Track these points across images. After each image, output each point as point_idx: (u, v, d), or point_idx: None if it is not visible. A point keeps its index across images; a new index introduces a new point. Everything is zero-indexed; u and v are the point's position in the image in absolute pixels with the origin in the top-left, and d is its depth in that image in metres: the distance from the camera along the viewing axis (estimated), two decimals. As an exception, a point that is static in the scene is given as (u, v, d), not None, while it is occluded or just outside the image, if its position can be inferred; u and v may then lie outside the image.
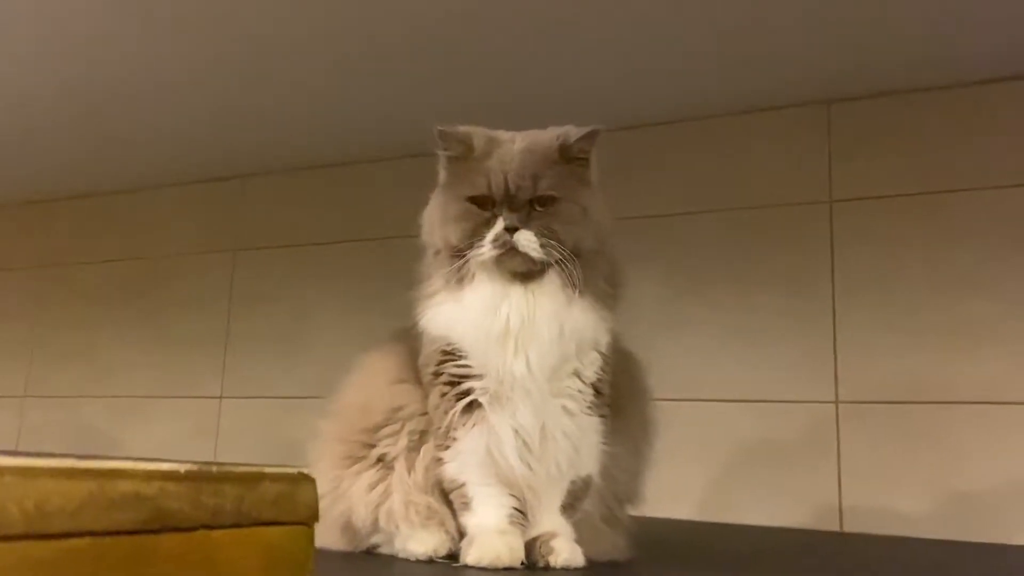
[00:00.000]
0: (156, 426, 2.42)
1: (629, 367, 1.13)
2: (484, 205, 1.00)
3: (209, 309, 2.44)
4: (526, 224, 0.98)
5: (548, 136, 1.04)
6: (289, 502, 0.43)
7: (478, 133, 1.04)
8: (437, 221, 1.04)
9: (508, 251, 0.97)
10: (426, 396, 1.04)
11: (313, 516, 0.45)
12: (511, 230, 0.97)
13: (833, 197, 1.80)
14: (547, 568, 0.97)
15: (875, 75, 1.74)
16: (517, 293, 0.99)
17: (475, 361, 1.00)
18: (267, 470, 0.43)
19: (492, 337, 0.98)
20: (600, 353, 1.03)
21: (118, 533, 0.34)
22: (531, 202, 0.99)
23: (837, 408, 1.71)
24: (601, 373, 1.03)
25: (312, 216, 2.37)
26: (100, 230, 2.67)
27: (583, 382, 1.02)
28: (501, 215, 0.99)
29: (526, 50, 1.70)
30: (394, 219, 2.17)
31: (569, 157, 1.02)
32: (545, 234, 0.98)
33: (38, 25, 1.67)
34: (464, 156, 1.03)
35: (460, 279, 1.01)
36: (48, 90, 1.98)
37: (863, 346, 1.72)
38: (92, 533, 0.33)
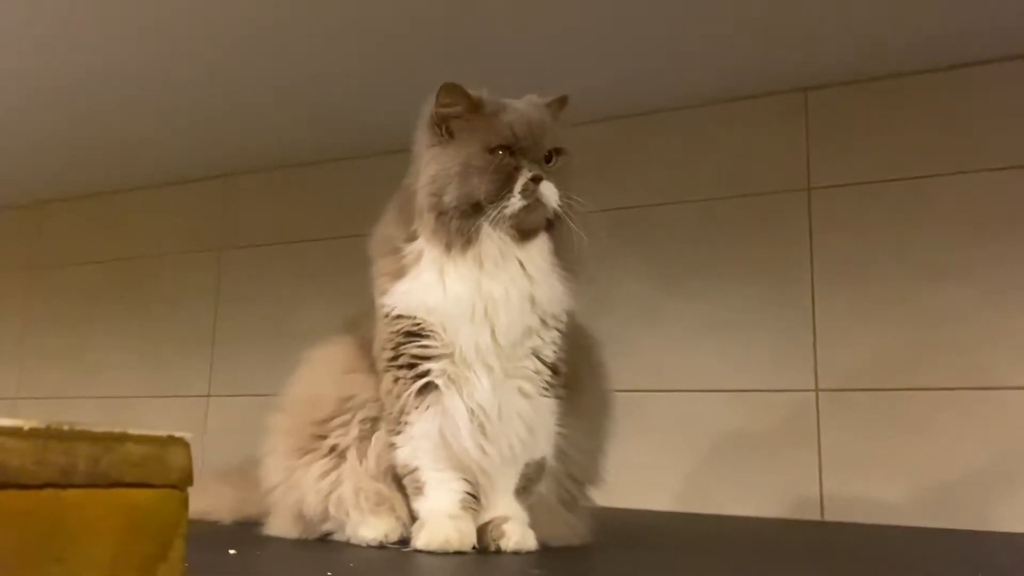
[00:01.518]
0: (145, 424, 2.41)
1: (584, 344, 1.11)
2: (505, 156, 0.98)
3: (196, 308, 2.44)
4: (544, 175, 0.97)
5: (541, 99, 1.04)
6: (157, 464, 0.43)
7: (491, 95, 1.03)
8: (455, 175, 0.97)
9: (533, 203, 0.96)
10: (379, 382, 1.04)
11: (186, 480, 0.44)
12: (536, 180, 0.96)
13: (811, 185, 1.79)
14: (498, 552, 0.96)
15: (852, 62, 1.73)
16: (511, 256, 0.98)
17: (443, 331, 0.98)
18: (131, 431, 0.42)
19: (471, 304, 0.96)
20: (559, 331, 1.02)
21: (-54, 486, 0.34)
22: (547, 155, 0.99)
23: (817, 396, 1.70)
24: (559, 352, 1.02)
25: (297, 214, 2.37)
26: (88, 232, 2.69)
27: (541, 362, 1.01)
28: (524, 166, 0.97)
29: (507, 47, 1.69)
30: (379, 216, 2.17)
31: (554, 119, 1.03)
32: (562, 187, 0.97)
33: (24, 33, 1.68)
34: (472, 111, 1.00)
35: (468, 240, 0.97)
36: (35, 96, 1.99)
37: (842, 334, 1.70)
38: (-84, 485, 0.33)
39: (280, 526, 1.07)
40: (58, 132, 2.23)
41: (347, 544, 1.01)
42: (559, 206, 0.97)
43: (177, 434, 0.44)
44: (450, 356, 0.98)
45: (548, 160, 0.99)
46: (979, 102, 1.68)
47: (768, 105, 1.85)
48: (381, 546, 0.99)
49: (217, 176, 2.49)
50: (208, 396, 2.38)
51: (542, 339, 1.00)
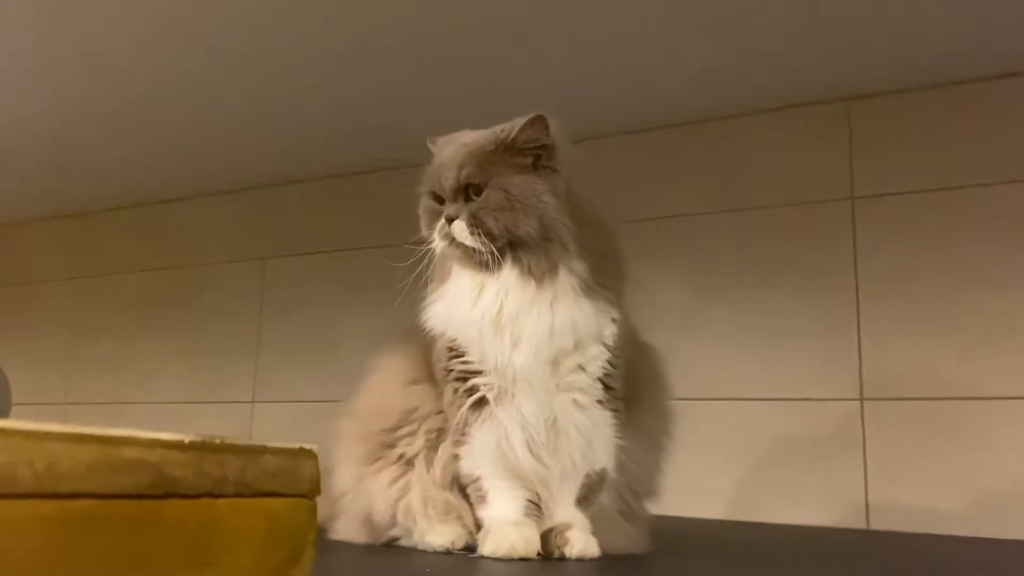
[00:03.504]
0: (191, 430, 2.47)
1: (647, 359, 1.13)
2: (439, 200, 1.03)
3: (241, 316, 2.49)
4: (459, 214, 1.00)
5: (495, 129, 1.04)
6: (290, 475, 0.45)
7: (448, 136, 1.08)
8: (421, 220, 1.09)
9: (451, 242, 1.00)
10: (441, 394, 1.06)
11: (314, 489, 0.47)
12: (450, 220, 1.00)
13: (855, 194, 1.79)
14: (562, 559, 0.98)
15: (895, 71, 1.74)
16: (490, 285, 1.01)
17: (475, 356, 1.02)
18: (269, 444, 0.45)
19: (482, 330, 1.00)
20: (606, 346, 1.03)
21: (123, 496, 0.37)
22: (466, 192, 1.00)
23: (862, 405, 1.71)
24: (609, 367, 1.03)
25: (340, 223, 2.40)
26: (135, 241, 2.74)
27: (590, 377, 1.02)
28: (444, 208, 1.02)
29: (548, 55, 1.72)
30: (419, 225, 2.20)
31: (513, 148, 1.01)
32: (473, 222, 0.99)
33: (69, 43, 1.72)
34: (432, 160, 1.08)
35: (441, 273, 1.05)
36: (81, 109, 2.04)
37: (887, 343, 1.71)
38: (98, 495, 0.36)
39: (347, 531, 1.10)
40: (104, 144, 2.27)
41: (415, 550, 1.04)
42: (471, 242, 0.99)
43: (307, 446, 0.47)
44: (492, 372, 1.01)
45: (477, 193, 1.00)
46: (1023, 111, 1.68)
47: (811, 114, 1.86)
48: (448, 552, 1.01)
49: (262, 186, 2.53)
50: (253, 402, 2.42)
51: (583, 356, 1.01)
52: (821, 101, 1.85)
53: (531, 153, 1.02)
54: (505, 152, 1.01)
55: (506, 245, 0.99)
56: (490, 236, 0.98)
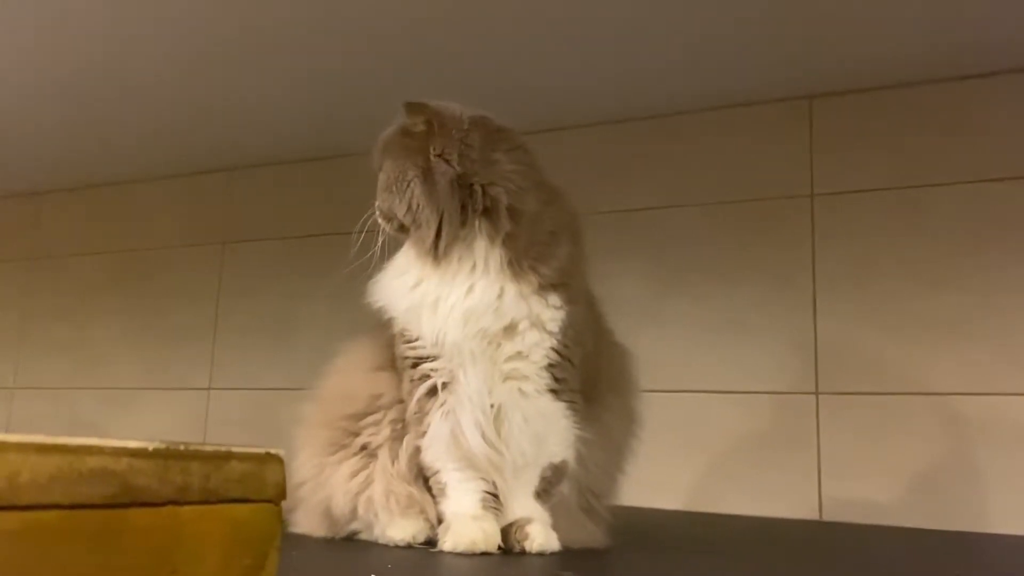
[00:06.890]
0: (145, 417, 2.44)
1: (616, 358, 1.13)
2: None
3: (198, 301, 2.45)
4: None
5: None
6: (256, 480, 0.45)
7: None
8: None
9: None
10: (402, 382, 1.06)
11: (280, 494, 0.47)
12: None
13: (814, 191, 1.82)
14: (522, 553, 0.98)
15: (856, 71, 1.76)
16: (413, 264, 1.04)
17: (405, 322, 1.03)
18: (235, 449, 0.44)
19: (403, 296, 1.03)
20: (549, 333, 1.00)
21: (87, 507, 0.36)
22: (379, 175, 1.08)
23: (817, 399, 1.74)
24: (556, 357, 1.01)
25: (300, 209, 2.38)
26: (89, 223, 2.68)
27: (534, 365, 1.01)
28: None
29: (513, 46, 1.71)
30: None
31: (408, 133, 1.05)
32: (376, 204, 1.07)
33: (25, 22, 1.67)
34: None
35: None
36: (36, 86, 1.99)
37: (843, 338, 1.74)
38: (61, 506, 0.35)
39: (306, 523, 1.09)
40: (59, 122, 2.22)
41: (375, 544, 1.03)
42: (382, 223, 1.06)
43: (273, 451, 0.47)
44: (437, 356, 1.01)
45: None
46: (979, 114, 1.72)
47: (773, 112, 1.88)
48: (408, 546, 1.01)
49: (220, 170, 2.49)
50: (209, 389, 2.39)
51: (523, 342, 1.00)
52: (783, 98, 1.87)
53: (419, 137, 1.02)
54: (404, 136, 1.04)
55: (400, 227, 1.04)
56: (384, 217, 1.05)
